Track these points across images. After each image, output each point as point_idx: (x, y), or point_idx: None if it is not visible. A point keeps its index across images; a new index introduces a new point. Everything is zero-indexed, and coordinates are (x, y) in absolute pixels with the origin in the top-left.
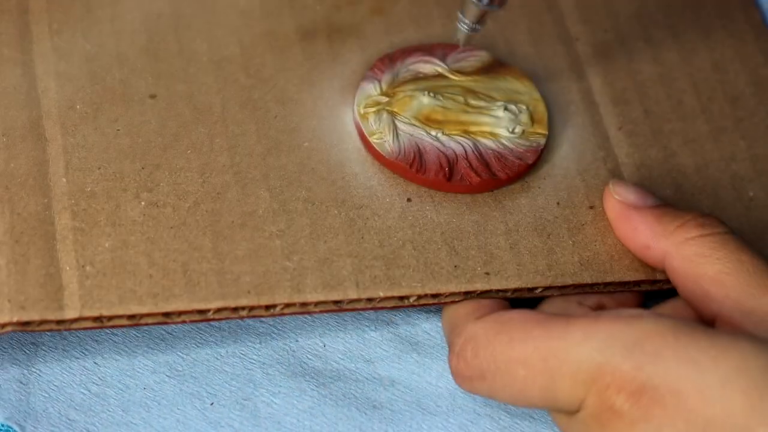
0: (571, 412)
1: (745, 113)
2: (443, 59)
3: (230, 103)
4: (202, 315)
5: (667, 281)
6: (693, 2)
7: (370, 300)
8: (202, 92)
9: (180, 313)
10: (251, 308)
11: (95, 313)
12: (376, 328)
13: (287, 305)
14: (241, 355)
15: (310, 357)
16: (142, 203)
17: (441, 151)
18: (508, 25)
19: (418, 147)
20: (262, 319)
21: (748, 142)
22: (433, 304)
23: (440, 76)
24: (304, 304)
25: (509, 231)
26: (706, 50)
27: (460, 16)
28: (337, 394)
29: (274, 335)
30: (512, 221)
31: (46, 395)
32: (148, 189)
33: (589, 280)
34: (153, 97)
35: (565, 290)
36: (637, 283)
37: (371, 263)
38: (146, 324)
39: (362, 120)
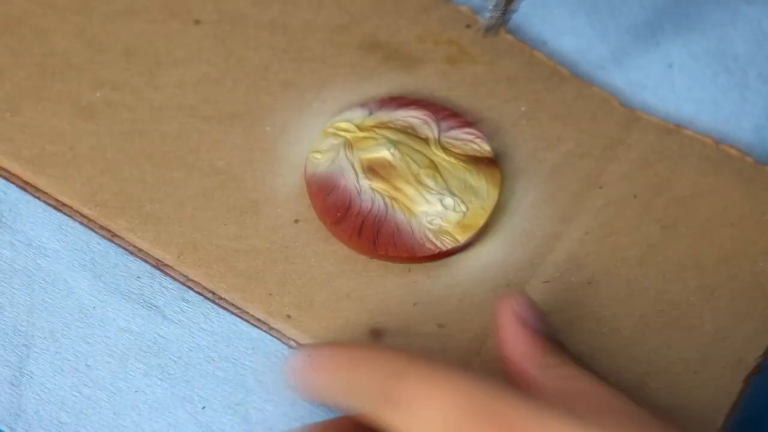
0: None
1: None
2: (442, 128)
3: (244, 61)
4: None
5: None
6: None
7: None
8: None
9: None
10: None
11: None
12: None
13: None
14: (234, 360)
15: None
16: None
17: (350, 197)
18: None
19: (337, 182)
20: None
21: None
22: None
23: (424, 140)
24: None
25: (348, 296)
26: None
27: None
28: None
29: (266, 341)
30: (359, 292)
31: (38, 398)
32: None
33: None
34: None
35: None
36: None
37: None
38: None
39: (322, 134)
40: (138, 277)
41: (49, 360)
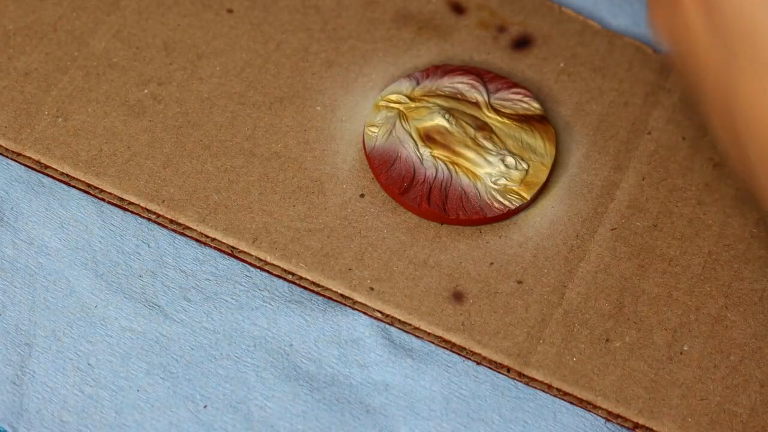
0: None
1: None
2: (490, 90)
3: (284, 45)
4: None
5: None
6: None
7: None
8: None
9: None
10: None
11: None
12: (370, 333)
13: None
14: (236, 358)
15: (304, 361)
16: None
17: (413, 167)
18: (596, 90)
19: (398, 153)
20: (257, 322)
21: None
22: (319, 293)
23: (475, 104)
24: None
25: (425, 263)
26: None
27: None
28: (330, 399)
29: (268, 339)
30: (435, 258)
31: (40, 397)
32: None
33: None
34: None
35: None
36: None
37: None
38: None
39: (374, 108)
40: (140, 276)
41: (50, 359)
